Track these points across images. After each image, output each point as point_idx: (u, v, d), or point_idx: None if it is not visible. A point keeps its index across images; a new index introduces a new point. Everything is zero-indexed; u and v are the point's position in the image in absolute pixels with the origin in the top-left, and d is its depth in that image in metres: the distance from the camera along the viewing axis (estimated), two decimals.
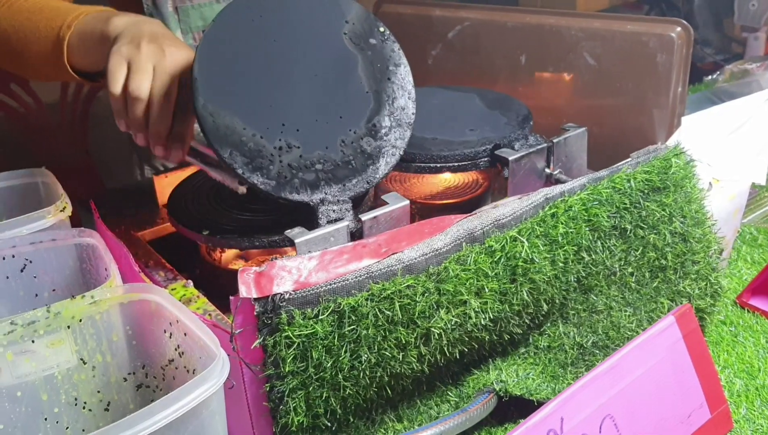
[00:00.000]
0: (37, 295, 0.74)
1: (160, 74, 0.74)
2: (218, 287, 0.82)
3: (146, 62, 0.74)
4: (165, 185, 0.90)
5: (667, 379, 0.71)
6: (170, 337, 0.63)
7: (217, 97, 0.71)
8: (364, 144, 0.76)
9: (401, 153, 0.78)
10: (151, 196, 0.92)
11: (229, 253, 0.85)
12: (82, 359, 0.63)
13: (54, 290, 0.76)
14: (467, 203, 0.92)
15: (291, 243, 0.67)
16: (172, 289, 0.74)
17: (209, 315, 0.70)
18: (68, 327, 0.61)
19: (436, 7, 1.21)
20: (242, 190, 0.77)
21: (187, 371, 0.63)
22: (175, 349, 0.63)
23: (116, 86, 0.74)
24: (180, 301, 0.72)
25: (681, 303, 0.83)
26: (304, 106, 0.75)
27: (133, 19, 0.80)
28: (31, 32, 0.85)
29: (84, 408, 0.64)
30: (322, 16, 0.79)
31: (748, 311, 0.95)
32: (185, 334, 0.61)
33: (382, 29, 0.81)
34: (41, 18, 0.85)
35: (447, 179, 0.98)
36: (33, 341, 0.60)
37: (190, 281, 0.75)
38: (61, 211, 0.78)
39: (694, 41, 0.96)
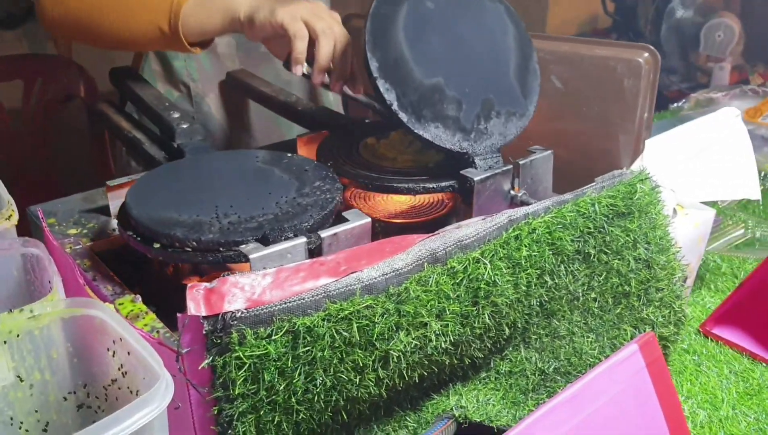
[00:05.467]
0: None
1: (329, 18, 0.87)
2: (169, 303, 0.79)
3: (311, 12, 0.86)
4: (118, 196, 0.87)
5: (630, 409, 0.70)
6: (113, 356, 0.60)
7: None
8: None
9: None
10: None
11: (183, 267, 0.82)
12: (19, 376, 0.60)
13: None
14: (432, 223, 0.90)
15: (245, 258, 0.64)
16: (120, 304, 0.71)
17: (156, 332, 0.67)
18: (5, 342, 0.58)
19: None
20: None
21: (131, 392, 0.59)
22: (119, 369, 0.60)
23: (303, 30, 0.86)
24: (127, 316, 0.69)
25: (644, 330, 0.82)
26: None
27: None
28: (130, 7, 0.93)
29: (20, 428, 0.61)
30: None
31: (712, 340, 0.95)
32: (128, 353, 0.58)
33: None
34: None
35: (412, 198, 0.96)
36: None
37: (138, 296, 0.72)
38: (6, 219, 0.74)
39: (661, 69, 0.96)
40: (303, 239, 0.65)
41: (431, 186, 0.82)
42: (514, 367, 0.78)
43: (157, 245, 0.70)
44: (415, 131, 0.79)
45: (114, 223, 0.87)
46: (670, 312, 0.82)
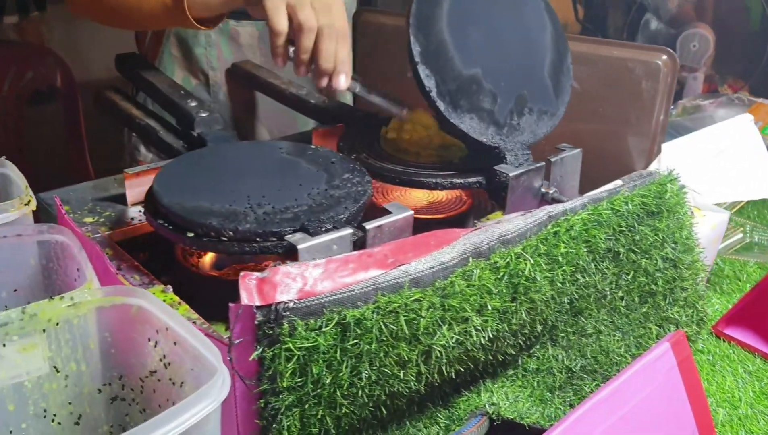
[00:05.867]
0: None
1: (321, 9, 0.81)
2: (193, 293, 0.77)
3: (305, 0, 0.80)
4: (136, 184, 0.84)
5: (661, 407, 0.70)
6: (155, 346, 0.58)
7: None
8: None
9: None
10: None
11: (207, 258, 0.80)
12: (55, 367, 0.57)
13: (15, 290, 0.69)
14: (453, 219, 0.89)
15: (291, 249, 0.62)
16: None
17: (194, 323, 0.64)
18: (44, 331, 0.55)
19: None
20: (404, 114, 0.87)
21: (173, 383, 0.57)
22: (160, 360, 0.58)
23: (281, 24, 0.81)
24: None
25: (669, 329, 0.82)
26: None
27: None
28: None
29: (53, 421, 0.58)
30: None
31: (724, 341, 0.95)
32: (175, 343, 0.56)
33: None
34: None
35: (430, 194, 0.95)
36: (4, 345, 0.53)
37: (169, 287, 0.69)
38: (25, 204, 0.72)
39: None
40: (349, 230, 0.64)
41: (459, 181, 0.82)
42: (541, 365, 0.78)
43: (191, 234, 0.68)
44: (451, 120, 0.78)
45: (131, 211, 0.84)
46: (693, 312, 0.83)
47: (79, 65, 2.33)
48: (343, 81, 0.85)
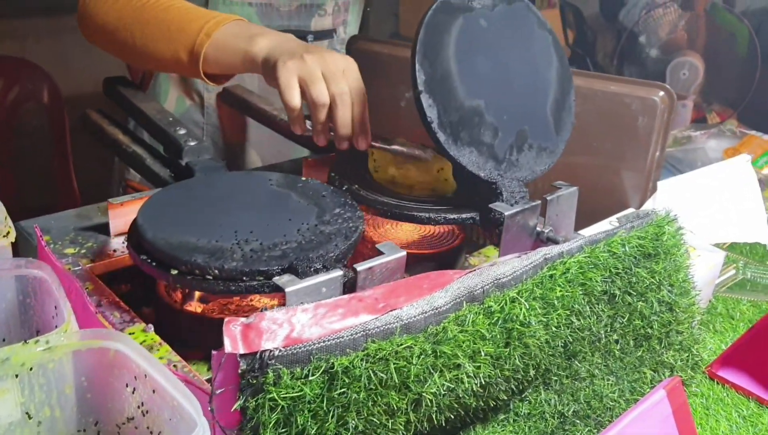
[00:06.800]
0: None
1: (333, 79, 0.82)
2: (175, 329, 0.74)
3: (316, 70, 0.81)
4: (120, 214, 0.82)
5: None
6: (133, 392, 0.55)
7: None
8: None
9: None
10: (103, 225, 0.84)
11: (192, 293, 0.78)
12: (27, 413, 0.54)
13: None
14: (445, 254, 0.88)
15: (277, 290, 0.60)
16: (130, 334, 0.66)
17: (175, 366, 0.62)
18: (16, 376, 0.53)
19: None
20: (428, 156, 0.87)
21: (150, 432, 0.55)
22: (138, 407, 0.55)
23: (294, 100, 0.82)
24: None
25: (664, 374, 0.80)
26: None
27: (276, 38, 0.88)
28: (160, 32, 0.92)
29: None
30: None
31: (718, 383, 0.94)
32: (153, 391, 0.53)
33: None
34: (172, 20, 0.92)
35: (422, 228, 0.93)
36: None
37: (150, 326, 0.67)
38: (4, 236, 0.69)
39: None
40: (339, 272, 0.62)
41: (453, 217, 0.80)
42: (533, 410, 0.76)
43: (174, 271, 0.65)
44: (450, 153, 0.76)
45: (113, 242, 0.82)
46: (688, 356, 0.81)
47: (67, 79, 2.31)
48: (364, 143, 0.86)
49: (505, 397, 0.72)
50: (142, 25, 0.93)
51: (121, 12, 0.95)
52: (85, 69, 2.26)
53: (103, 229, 0.83)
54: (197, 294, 0.77)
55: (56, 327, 0.60)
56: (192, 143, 0.86)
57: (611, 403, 0.78)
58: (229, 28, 0.90)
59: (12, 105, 2.26)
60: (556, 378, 0.76)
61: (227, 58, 0.89)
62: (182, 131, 0.88)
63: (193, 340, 0.73)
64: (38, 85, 2.28)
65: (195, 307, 0.78)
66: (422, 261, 0.89)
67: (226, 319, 0.52)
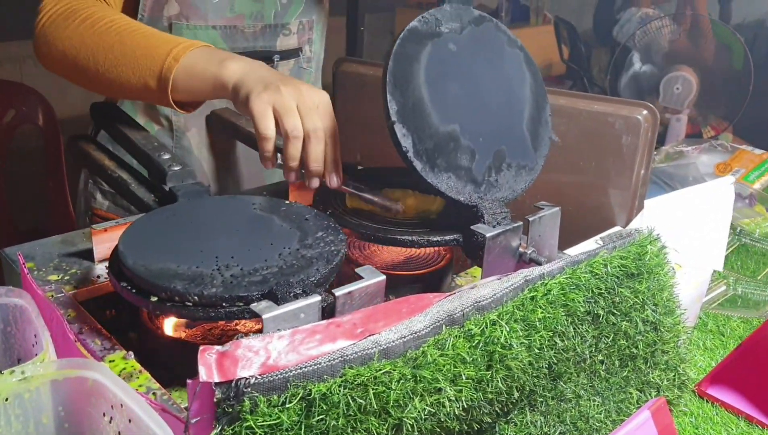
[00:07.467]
0: None
1: (307, 114, 0.81)
2: (156, 356, 0.74)
3: (291, 103, 0.80)
4: (103, 240, 0.82)
5: None
6: (110, 422, 0.55)
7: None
8: None
9: None
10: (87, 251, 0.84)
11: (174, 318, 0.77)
12: None
13: None
14: (432, 275, 0.87)
15: (256, 316, 0.60)
16: (111, 361, 0.66)
17: (154, 395, 0.62)
18: None
19: None
20: (398, 208, 0.86)
21: None
22: None
23: (269, 130, 0.81)
24: (119, 375, 0.65)
25: (650, 394, 0.80)
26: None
27: (247, 64, 0.86)
28: (124, 57, 0.89)
29: None
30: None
31: (707, 401, 0.93)
32: (130, 421, 0.53)
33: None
34: (137, 45, 0.89)
35: (408, 249, 0.93)
36: None
37: (131, 353, 0.67)
38: None
39: None
40: (317, 298, 0.62)
41: (436, 239, 0.80)
42: (519, 431, 0.75)
43: (154, 298, 0.65)
44: (428, 180, 0.76)
45: (98, 268, 0.82)
46: (674, 375, 0.81)
47: (62, 103, 2.32)
48: (335, 181, 0.85)
49: (490, 420, 0.71)
50: (106, 50, 0.90)
51: (82, 36, 0.92)
52: (81, 92, 2.26)
53: (88, 255, 0.83)
54: (180, 320, 0.77)
55: (36, 355, 0.60)
56: (176, 168, 0.86)
57: (597, 424, 0.77)
58: (197, 52, 0.88)
59: (7, 128, 2.26)
60: (541, 399, 0.76)
61: (197, 83, 0.87)
62: (166, 156, 0.89)
63: (176, 366, 0.72)
64: (33, 108, 2.29)
65: (179, 332, 0.78)
66: (408, 282, 0.89)
67: (201, 347, 0.52)
